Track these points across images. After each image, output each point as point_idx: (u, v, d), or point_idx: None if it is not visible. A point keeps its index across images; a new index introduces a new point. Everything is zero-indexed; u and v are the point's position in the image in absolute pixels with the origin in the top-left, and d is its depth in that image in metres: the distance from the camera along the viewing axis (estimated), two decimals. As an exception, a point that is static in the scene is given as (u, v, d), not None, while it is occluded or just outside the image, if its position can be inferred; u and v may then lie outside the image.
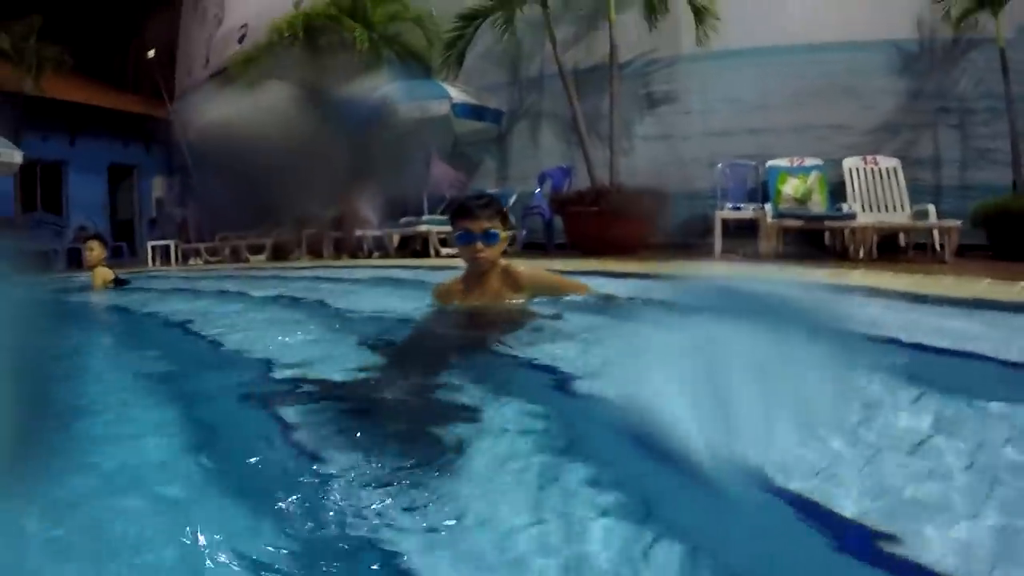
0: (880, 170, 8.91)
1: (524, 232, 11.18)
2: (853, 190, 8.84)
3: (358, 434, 1.83)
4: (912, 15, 9.58)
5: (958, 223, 7.60)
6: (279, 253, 14.09)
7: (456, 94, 11.08)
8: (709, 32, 9.90)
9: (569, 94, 10.45)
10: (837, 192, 9.01)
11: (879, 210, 8.71)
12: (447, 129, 11.51)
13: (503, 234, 3.62)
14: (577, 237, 9.65)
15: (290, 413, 1.97)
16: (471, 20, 11.51)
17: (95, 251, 8.11)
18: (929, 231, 8.26)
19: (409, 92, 10.45)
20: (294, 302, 5.65)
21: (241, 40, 17.74)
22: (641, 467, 1.51)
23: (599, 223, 9.07)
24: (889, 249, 8.35)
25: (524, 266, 3.74)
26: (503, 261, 3.72)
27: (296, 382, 2.49)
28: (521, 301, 3.64)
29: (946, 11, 9.19)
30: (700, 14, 9.91)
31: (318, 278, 8.26)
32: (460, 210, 3.72)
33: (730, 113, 10.21)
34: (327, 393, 2.32)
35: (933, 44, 9.63)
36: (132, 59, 21.83)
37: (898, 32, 9.64)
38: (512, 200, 11.08)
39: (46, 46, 20.12)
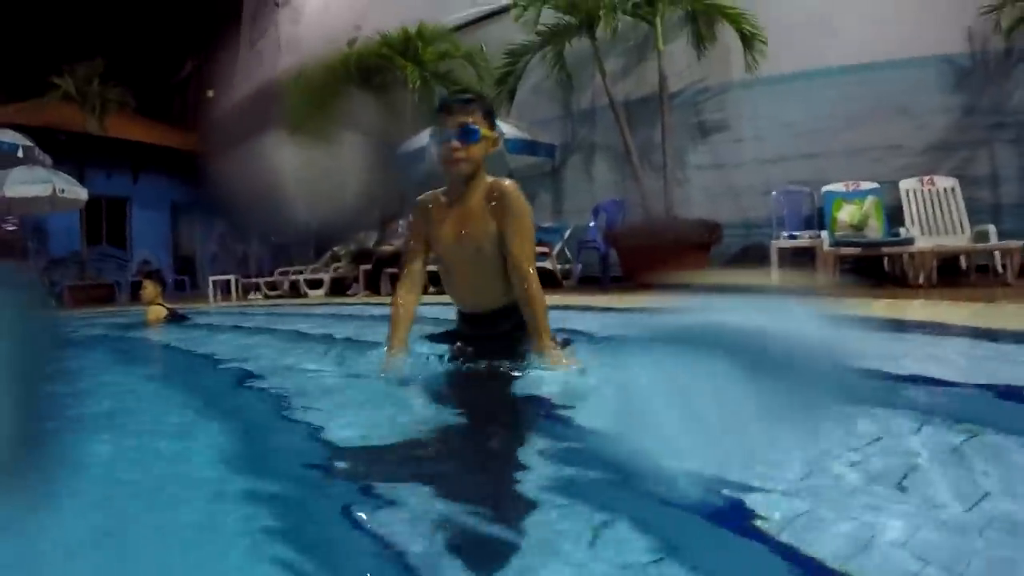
0: (937, 191, 8.80)
1: (579, 267, 11.28)
2: (910, 213, 8.74)
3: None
4: (962, 28, 9.37)
5: (1020, 244, 7.45)
6: (337, 288, 14.38)
7: (508, 130, 11.20)
8: (757, 57, 9.87)
9: (621, 126, 10.55)
10: (894, 215, 8.88)
11: (938, 233, 8.57)
12: (501, 165, 11.61)
13: (486, 132, 3.19)
14: (632, 270, 9.72)
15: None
16: (521, 56, 11.72)
17: (148, 289, 8.54)
18: (990, 253, 8.15)
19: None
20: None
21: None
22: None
23: (654, 256, 9.13)
24: (950, 272, 8.22)
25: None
26: (490, 178, 3.30)
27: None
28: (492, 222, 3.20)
29: (996, 22, 9.02)
30: (748, 40, 9.90)
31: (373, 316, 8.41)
32: (438, 106, 3.34)
33: (782, 139, 10.16)
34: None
35: (985, 57, 9.40)
36: (192, 99, 22.49)
37: (948, 47, 9.44)
38: (567, 234, 11.20)
39: (109, 88, 20.98)
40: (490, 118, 3.24)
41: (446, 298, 3.58)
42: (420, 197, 3.48)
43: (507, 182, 3.28)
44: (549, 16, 11.20)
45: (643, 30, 11.03)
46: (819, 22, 9.84)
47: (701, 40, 10.59)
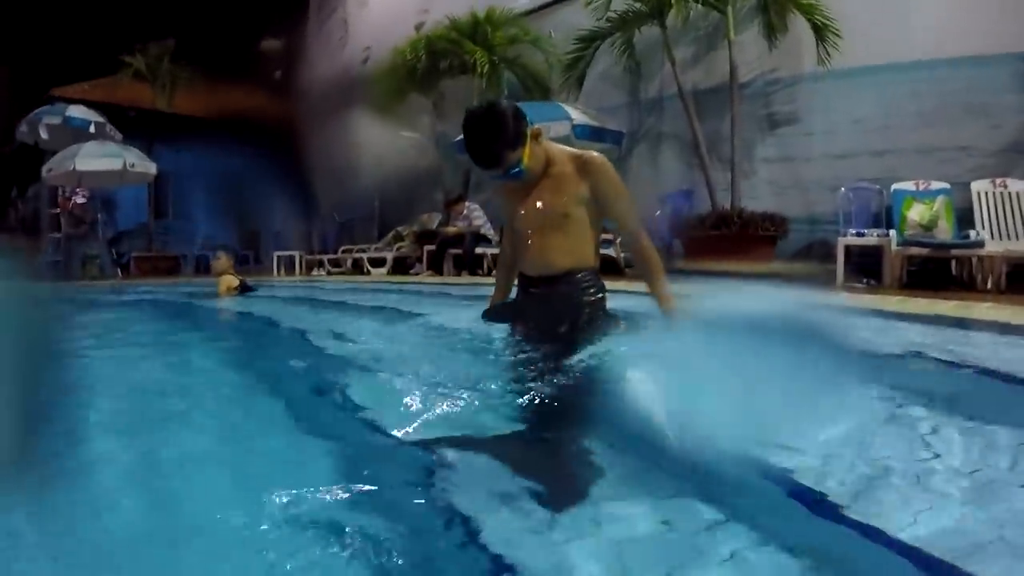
0: (1010, 194, 8.55)
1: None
2: (981, 215, 8.51)
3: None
4: (1041, 26, 9.10)
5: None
6: (400, 267, 14.60)
7: (576, 115, 11.22)
8: (830, 50, 9.69)
9: (689, 115, 10.49)
10: (964, 217, 8.68)
11: (1009, 237, 8.37)
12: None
13: (526, 149, 3.17)
14: (696, 261, 9.72)
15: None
16: (590, 42, 11.69)
17: (221, 260, 8.91)
18: (1064, 260, 7.93)
19: (529, 114, 10.65)
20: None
21: (365, 61, 18.36)
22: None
23: (720, 248, 9.15)
24: (1020, 279, 8.02)
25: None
26: (570, 149, 3.40)
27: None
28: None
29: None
30: (821, 32, 9.71)
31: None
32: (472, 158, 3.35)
33: (852, 134, 9.96)
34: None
35: (1066, 57, 9.14)
36: (260, 79, 22.83)
37: (1024, 44, 9.21)
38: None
39: (179, 67, 21.37)
40: (518, 138, 3.18)
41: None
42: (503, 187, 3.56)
43: (593, 152, 3.36)
44: (620, 3, 11.17)
45: (714, 19, 10.93)
46: (893, 15, 9.62)
47: (773, 30, 10.41)
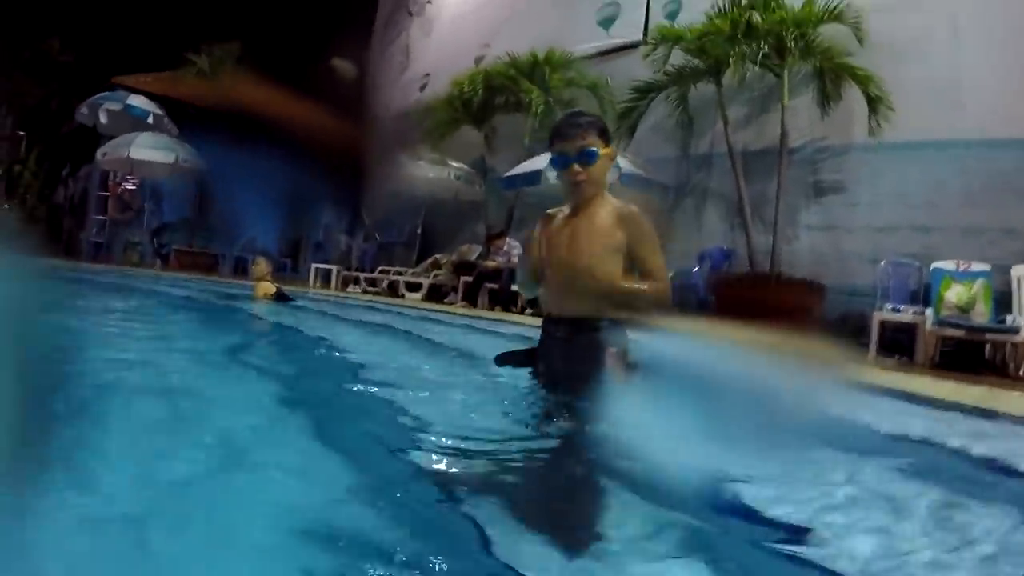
0: (1051, 281, 8.54)
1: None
2: (1020, 301, 8.37)
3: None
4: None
5: None
6: (435, 294, 14.74)
7: (625, 164, 11.29)
8: (882, 122, 9.72)
9: (736, 175, 10.60)
10: (1003, 301, 8.58)
11: (1048, 326, 8.31)
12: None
13: (604, 151, 3.24)
14: (727, 319, 9.72)
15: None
16: (645, 93, 11.82)
17: (260, 265, 9.09)
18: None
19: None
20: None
21: (422, 88, 18.67)
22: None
23: (754, 310, 9.15)
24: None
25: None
26: (615, 199, 3.33)
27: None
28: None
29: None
30: (874, 103, 9.77)
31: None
32: (553, 131, 3.39)
33: (897, 208, 9.98)
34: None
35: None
36: (321, 93, 23.19)
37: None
38: (669, 276, 11.26)
39: (242, 71, 21.73)
40: (605, 136, 3.29)
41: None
42: (548, 211, 3.55)
43: (634, 206, 3.31)
44: (678, 57, 11.33)
45: (769, 81, 11.02)
46: (945, 93, 9.65)
47: (826, 98, 10.49)
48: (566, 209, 3.44)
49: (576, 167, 3.21)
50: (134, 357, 4.01)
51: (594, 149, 3.19)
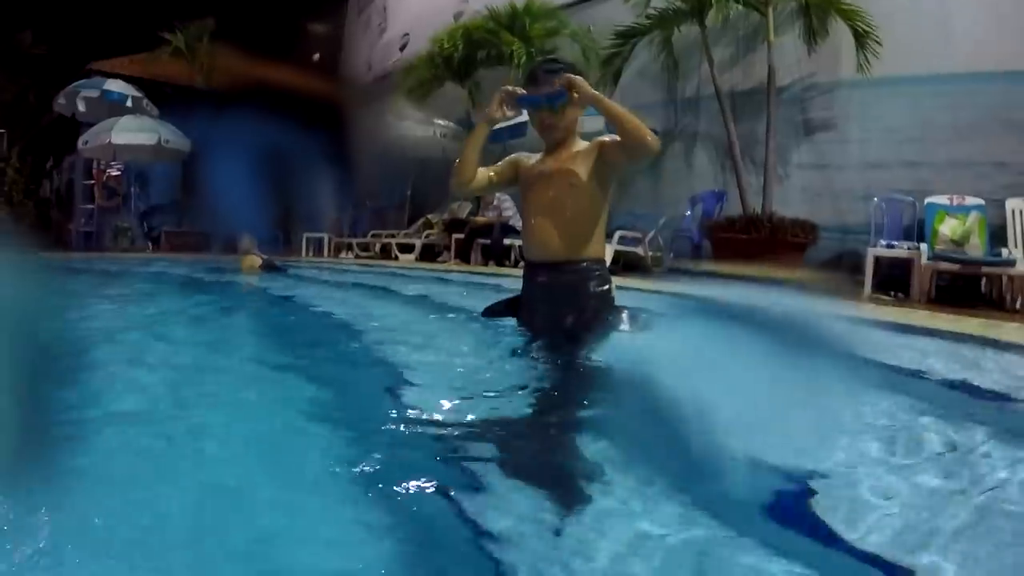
0: (1046, 213, 8.43)
1: (672, 255, 11.26)
2: (1015, 234, 8.33)
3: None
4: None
5: None
6: (428, 254, 14.68)
7: (611, 112, 11.12)
8: (870, 57, 9.56)
9: (725, 117, 10.41)
10: (997, 235, 8.46)
11: (1043, 257, 8.18)
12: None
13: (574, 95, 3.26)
14: (725, 264, 9.69)
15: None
16: (628, 38, 11.60)
17: (244, 241, 9.28)
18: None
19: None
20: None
21: (402, 49, 18.45)
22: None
23: (749, 251, 9.12)
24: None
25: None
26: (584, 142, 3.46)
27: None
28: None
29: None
30: (861, 39, 9.59)
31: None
32: (527, 75, 3.53)
33: (887, 144, 9.86)
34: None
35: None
36: (298, 62, 22.94)
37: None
38: (662, 222, 11.21)
39: (218, 46, 21.48)
40: (580, 74, 3.32)
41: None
42: (521, 154, 3.69)
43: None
44: (660, 0, 11.12)
45: (754, 20, 10.83)
46: (933, 26, 9.51)
47: (813, 35, 10.31)
48: (538, 156, 3.56)
49: (546, 110, 3.33)
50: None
51: (562, 91, 3.24)
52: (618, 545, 1.34)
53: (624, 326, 3.37)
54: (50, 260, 11.16)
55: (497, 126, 3.53)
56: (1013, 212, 8.41)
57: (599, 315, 3.40)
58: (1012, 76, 9.03)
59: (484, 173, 3.58)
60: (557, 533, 1.39)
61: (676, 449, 1.80)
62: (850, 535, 1.41)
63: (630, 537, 1.38)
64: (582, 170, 3.35)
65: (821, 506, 1.57)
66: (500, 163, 3.69)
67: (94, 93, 17.05)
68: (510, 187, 3.72)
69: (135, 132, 15.87)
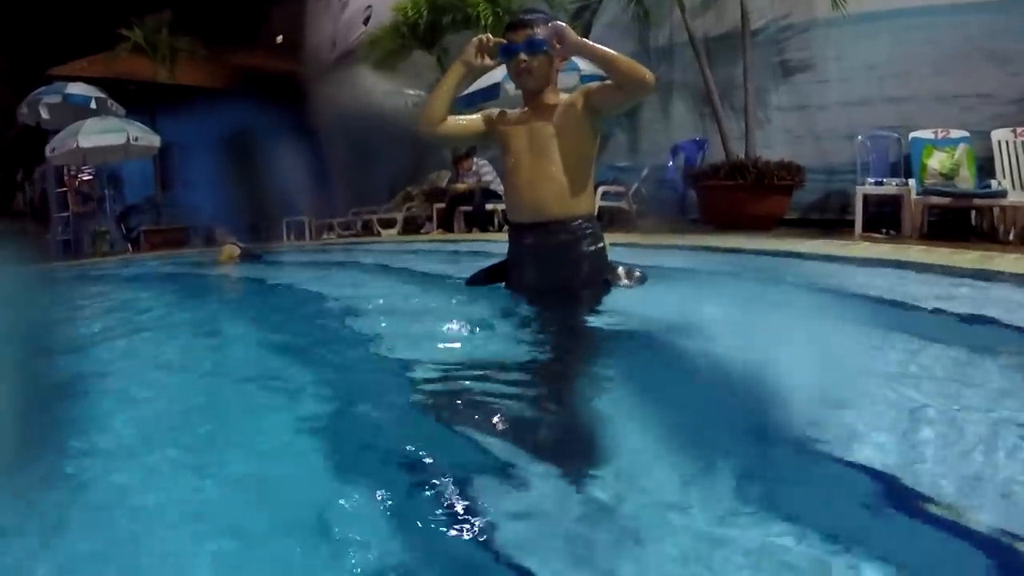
0: (1032, 143, 8.27)
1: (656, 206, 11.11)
2: (1003, 165, 8.17)
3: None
4: (1062, -32, 8.69)
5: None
6: (411, 227, 14.50)
7: (584, 66, 10.92)
8: (845, -6, 9.36)
9: (700, 64, 10.22)
10: (984, 167, 8.29)
11: (1032, 187, 8.07)
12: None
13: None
14: (711, 212, 9.55)
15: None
16: (597, -11, 11.43)
17: (219, 232, 9.27)
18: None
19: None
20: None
21: (366, 21, 18.11)
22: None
23: (734, 198, 8.98)
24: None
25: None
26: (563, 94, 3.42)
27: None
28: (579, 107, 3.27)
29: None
30: (835, -24, 9.44)
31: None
32: (507, 25, 3.46)
33: (868, 81, 9.68)
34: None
35: (1087, -1, 8.73)
36: (261, 46, 22.60)
37: (1045, -13, 8.79)
38: (644, 173, 11.05)
39: (178, 38, 21.19)
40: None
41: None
42: (502, 109, 3.60)
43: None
44: (627, -53, 10.88)
45: (725, -38, 10.62)
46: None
47: (785, -27, 10.16)
48: (517, 111, 3.49)
49: (523, 55, 3.27)
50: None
51: (540, 39, 3.23)
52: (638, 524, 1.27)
53: (623, 282, 3.33)
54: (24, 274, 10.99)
55: (468, 91, 3.42)
56: (1000, 143, 8.26)
57: (595, 276, 3.33)
58: (994, 6, 8.85)
59: (453, 119, 3.49)
60: (573, 506, 1.31)
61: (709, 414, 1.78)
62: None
63: (651, 513, 1.31)
64: (567, 121, 3.27)
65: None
66: (472, 115, 3.59)
67: (56, 99, 16.65)
68: (480, 140, 3.66)
69: (102, 133, 15.54)
